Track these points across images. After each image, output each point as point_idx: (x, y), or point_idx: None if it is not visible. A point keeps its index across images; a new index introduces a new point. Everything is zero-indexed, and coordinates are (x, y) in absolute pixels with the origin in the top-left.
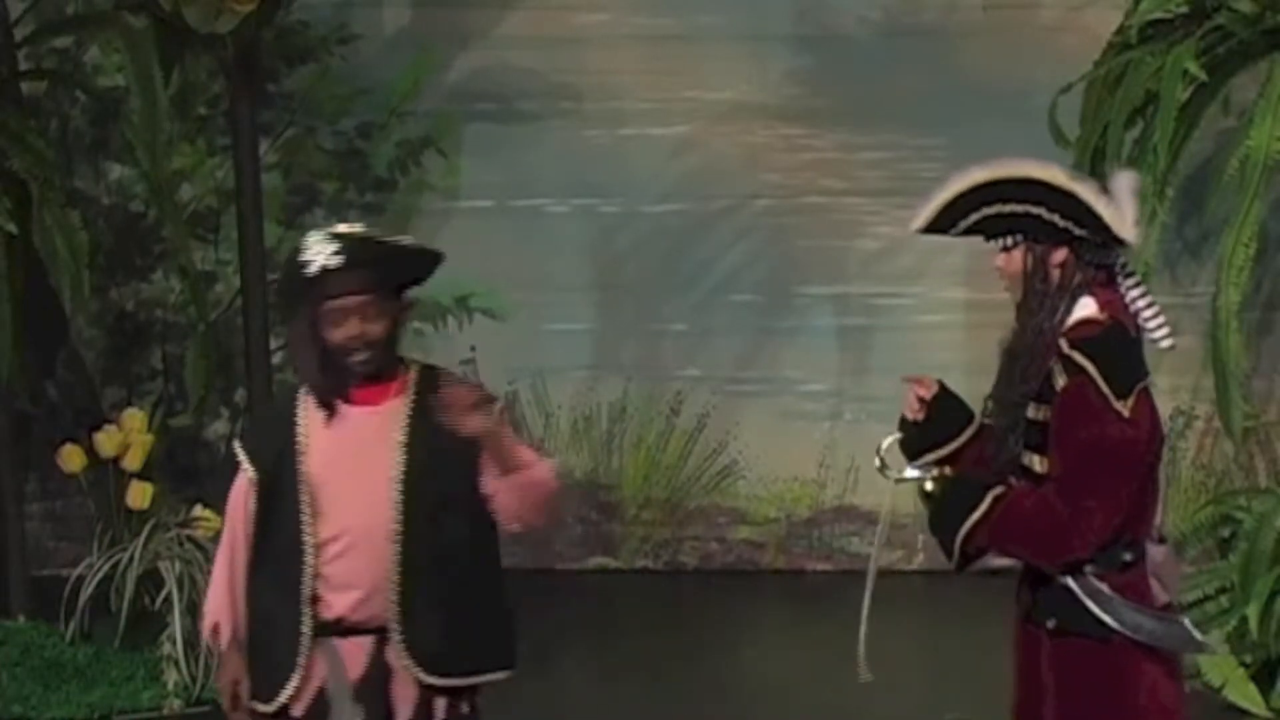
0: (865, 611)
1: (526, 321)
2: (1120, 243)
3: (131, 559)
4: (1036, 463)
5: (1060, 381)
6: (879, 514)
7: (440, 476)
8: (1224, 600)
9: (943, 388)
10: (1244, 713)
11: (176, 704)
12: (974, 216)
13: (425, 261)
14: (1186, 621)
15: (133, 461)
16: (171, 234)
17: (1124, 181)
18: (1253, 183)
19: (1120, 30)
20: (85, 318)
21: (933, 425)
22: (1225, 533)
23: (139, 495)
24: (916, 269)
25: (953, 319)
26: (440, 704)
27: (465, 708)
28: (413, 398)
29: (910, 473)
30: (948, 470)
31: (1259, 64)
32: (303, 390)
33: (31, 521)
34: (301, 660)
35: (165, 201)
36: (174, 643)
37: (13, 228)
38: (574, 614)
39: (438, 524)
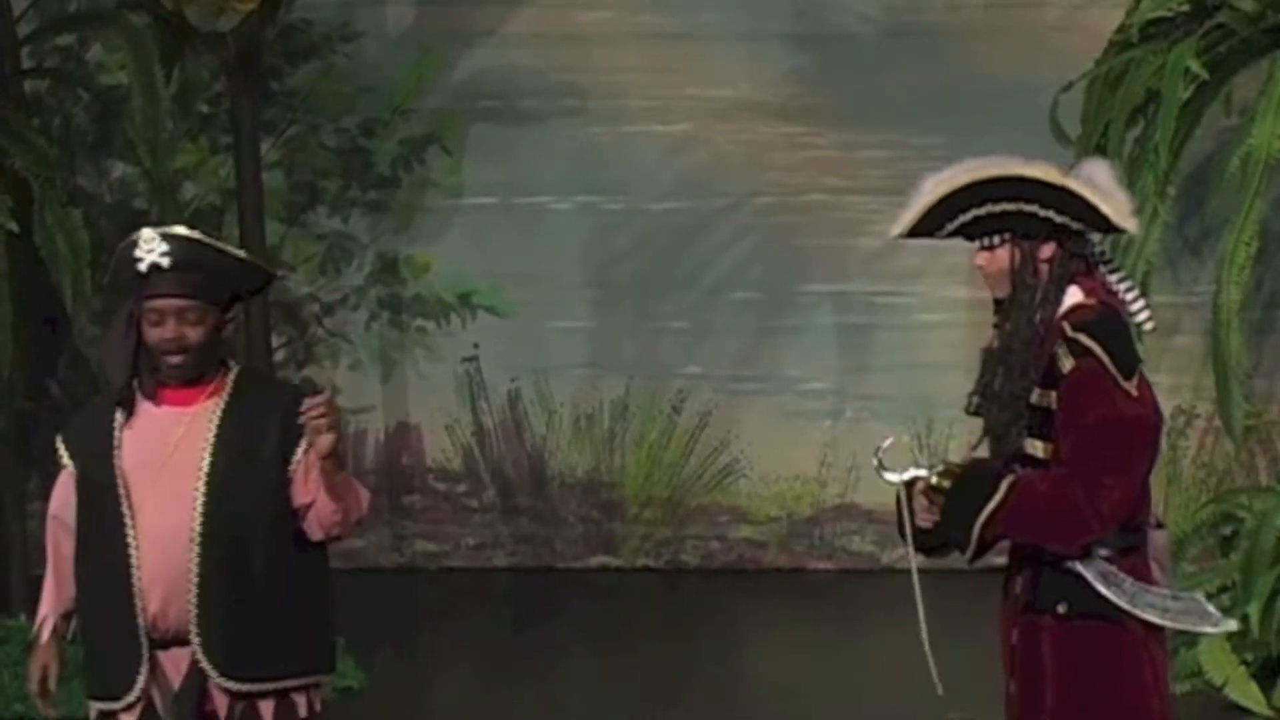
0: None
1: (529, 319)
2: (1118, 232)
3: None
4: (1040, 449)
5: (1067, 364)
6: (880, 513)
7: (247, 480)
8: (1225, 599)
9: (943, 476)
10: (1245, 712)
11: None
12: (962, 219)
13: (255, 277)
14: (1201, 597)
15: None
16: None
17: (1101, 170)
18: (1254, 181)
19: (1122, 29)
20: (88, 315)
21: (957, 508)
22: (1226, 531)
23: None
24: (917, 267)
25: (954, 317)
26: (266, 707)
27: (303, 710)
28: (226, 399)
29: (913, 472)
30: (951, 466)
31: (1260, 62)
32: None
33: (32, 520)
34: (145, 654)
35: (166, 199)
36: None
37: (14, 226)
38: (575, 613)
39: (240, 528)
